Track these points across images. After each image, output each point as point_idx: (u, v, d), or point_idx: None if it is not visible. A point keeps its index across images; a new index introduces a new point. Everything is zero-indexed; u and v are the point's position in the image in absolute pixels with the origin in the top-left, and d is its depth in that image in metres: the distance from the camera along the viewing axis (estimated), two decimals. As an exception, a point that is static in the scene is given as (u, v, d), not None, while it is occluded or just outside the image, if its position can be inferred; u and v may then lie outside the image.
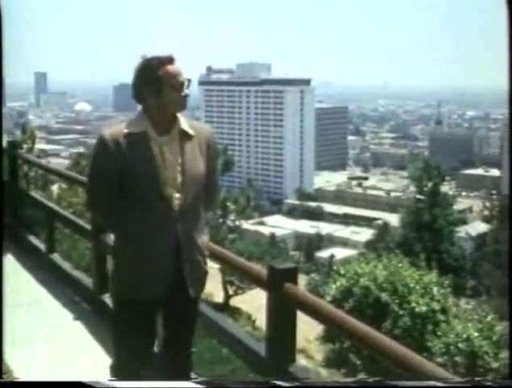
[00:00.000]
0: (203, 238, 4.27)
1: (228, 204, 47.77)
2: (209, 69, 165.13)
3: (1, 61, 4.74)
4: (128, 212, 4.10)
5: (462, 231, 56.47)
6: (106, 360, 6.05)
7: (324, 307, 4.51)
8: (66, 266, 8.84)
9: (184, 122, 4.13)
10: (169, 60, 4.04)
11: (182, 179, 4.06)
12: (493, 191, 72.78)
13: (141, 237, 4.08)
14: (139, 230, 4.08)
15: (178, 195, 4.05)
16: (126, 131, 4.02)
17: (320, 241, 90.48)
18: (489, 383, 1.85)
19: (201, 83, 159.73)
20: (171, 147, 4.07)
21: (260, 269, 5.12)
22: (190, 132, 4.12)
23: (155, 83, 3.98)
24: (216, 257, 5.26)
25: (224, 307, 21.67)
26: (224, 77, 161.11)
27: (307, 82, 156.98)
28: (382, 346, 3.74)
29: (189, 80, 4.08)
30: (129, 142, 4.00)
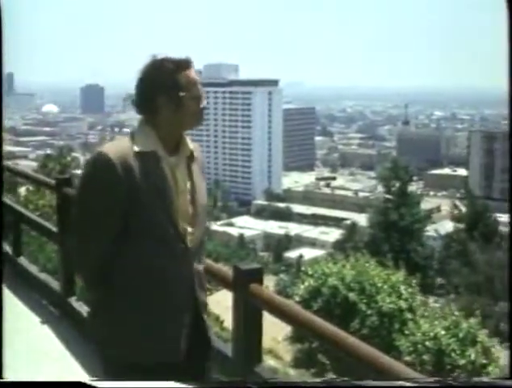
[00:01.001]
0: (205, 278, 3.63)
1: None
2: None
3: (1, 61, 4.59)
4: (132, 253, 3.30)
5: (430, 230, 56.84)
6: (72, 364, 6.04)
7: (290, 308, 4.50)
8: (33, 269, 8.79)
9: (188, 139, 3.47)
10: (188, 63, 3.34)
11: (194, 210, 3.41)
12: (461, 191, 73.27)
13: (154, 284, 3.31)
14: (149, 276, 3.29)
15: (190, 228, 3.38)
16: (136, 149, 3.23)
17: (288, 241, 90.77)
18: (489, 383, 1.86)
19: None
20: (181, 171, 3.39)
21: (226, 270, 5.13)
22: (196, 152, 3.49)
23: (173, 92, 3.26)
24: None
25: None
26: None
27: (275, 82, 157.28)
28: (349, 346, 3.76)
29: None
30: (140, 164, 3.21)
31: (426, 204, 73.43)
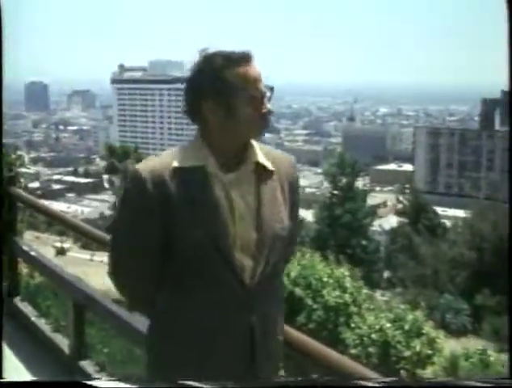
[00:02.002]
0: (282, 323, 2.92)
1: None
2: (121, 67, 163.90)
3: (1, 61, 4.47)
4: (173, 290, 2.69)
5: (376, 225, 57.36)
6: (13, 364, 5.97)
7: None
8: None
9: (260, 151, 2.74)
10: (247, 58, 2.65)
11: (259, 239, 2.66)
12: (406, 186, 73.93)
13: (196, 327, 2.65)
14: (192, 317, 2.64)
15: (251, 262, 2.65)
16: (176, 165, 2.61)
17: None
18: (490, 383, 1.85)
19: (113, 81, 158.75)
20: (242, 190, 2.67)
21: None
22: (269, 166, 2.74)
23: (223, 93, 2.60)
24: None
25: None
26: (137, 75, 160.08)
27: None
28: (295, 342, 3.74)
29: (271, 88, 2.69)
30: (181, 183, 2.60)
31: (373, 200, 73.84)
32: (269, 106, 2.65)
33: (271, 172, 2.73)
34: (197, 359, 2.65)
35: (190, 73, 2.70)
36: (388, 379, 2.31)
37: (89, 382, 1.79)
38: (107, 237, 5.36)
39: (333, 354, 3.24)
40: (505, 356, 19.09)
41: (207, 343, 2.64)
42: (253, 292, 2.65)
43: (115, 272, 2.79)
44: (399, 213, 60.42)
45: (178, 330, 2.68)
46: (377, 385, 2.13)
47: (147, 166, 2.63)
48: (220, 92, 2.59)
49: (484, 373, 15.89)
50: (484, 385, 1.83)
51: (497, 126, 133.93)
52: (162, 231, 2.60)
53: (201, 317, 2.62)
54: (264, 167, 2.71)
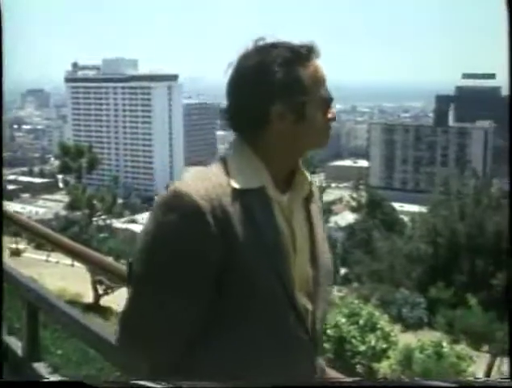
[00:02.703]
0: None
1: (95, 202, 47.33)
2: (75, 65, 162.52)
3: (1, 61, 4.38)
4: (225, 345, 2.11)
5: (332, 222, 57.68)
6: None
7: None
8: None
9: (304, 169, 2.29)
10: (316, 52, 2.18)
11: (315, 275, 2.23)
12: (361, 182, 74.48)
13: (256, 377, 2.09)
14: (251, 366, 2.08)
15: (310, 303, 2.19)
16: (236, 186, 2.06)
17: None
18: (489, 383, 1.81)
19: (67, 80, 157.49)
20: (297, 216, 2.21)
21: (122, 266, 5.11)
22: (314, 187, 2.34)
23: (297, 94, 2.10)
24: (78, 256, 5.21)
25: (95, 307, 21.48)
26: (91, 73, 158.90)
27: (174, 77, 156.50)
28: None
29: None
30: (243, 210, 2.04)
31: (329, 196, 74.22)
32: (334, 110, 2.22)
33: (312, 193, 2.30)
34: None
35: (239, 69, 2.14)
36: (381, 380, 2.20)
37: (89, 382, 1.75)
38: (71, 242, 5.34)
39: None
40: (459, 348, 19.36)
41: None
42: (316, 338, 2.22)
43: (141, 324, 2.11)
44: (353, 210, 60.82)
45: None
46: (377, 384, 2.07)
47: (198, 188, 2.01)
48: (293, 93, 2.09)
49: (437, 364, 16.05)
50: (485, 385, 1.80)
51: (451, 122, 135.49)
52: (219, 268, 2.03)
53: (262, 367, 2.08)
54: (311, 189, 2.28)
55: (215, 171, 2.11)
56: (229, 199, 2.02)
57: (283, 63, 2.08)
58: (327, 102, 2.18)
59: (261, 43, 2.15)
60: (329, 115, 2.19)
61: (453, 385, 1.66)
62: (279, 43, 2.14)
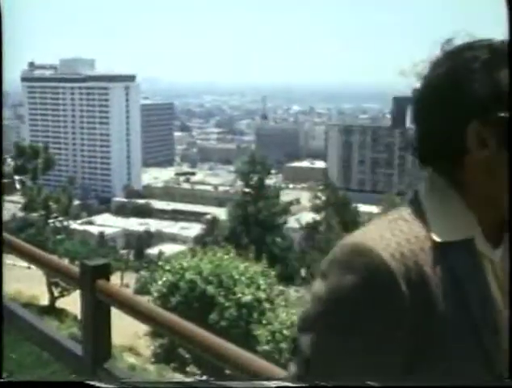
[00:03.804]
0: None
1: (51, 203, 46.93)
2: (32, 64, 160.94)
3: (1, 61, 4.24)
4: None
5: (290, 222, 57.81)
6: None
7: (139, 303, 4.48)
8: None
9: None
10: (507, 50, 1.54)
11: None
12: (320, 182, 74.76)
13: None
14: None
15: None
16: (437, 238, 1.51)
17: (149, 238, 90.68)
18: (489, 383, 1.52)
19: (24, 80, 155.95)
20: (506, 274, 1.59)
21: (73, 267, 5.07)
22: None
23: (500, 110, 1.48)
24: (30, 258, 5.16)
25: (50, 309, 21.34)
26: (47, 73, 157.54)
27: (132, 78, 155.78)
28: (204, 342, 3.71)
29: None
30: (443, 270, 1.50)
31: (286, 197, 74.50)
32: None
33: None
34: None
35: (429, 83, 1.58)
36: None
37: (91, 382, 1.77)
38: (23, 244, 5.29)
39: (241, 353, 3.26)
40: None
41: None
42: None
43: None
44: (316, 209, 60.96)
45: None
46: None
47: (387, 242, 1.48)
48: (497, 109, 1.48)
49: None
50: (485, 385, 1.56)
51: (408, 123, 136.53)
52: (410, 349, 1.47)
53: None
54: None
55: (407, 218, 1.56)
56: (429, 257, 1.49)
57: (489, 70, 1.50)
58: None
59: (450, 46, 1.57)
60: None
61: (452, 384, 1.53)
62: (478, 42, 1.54)
